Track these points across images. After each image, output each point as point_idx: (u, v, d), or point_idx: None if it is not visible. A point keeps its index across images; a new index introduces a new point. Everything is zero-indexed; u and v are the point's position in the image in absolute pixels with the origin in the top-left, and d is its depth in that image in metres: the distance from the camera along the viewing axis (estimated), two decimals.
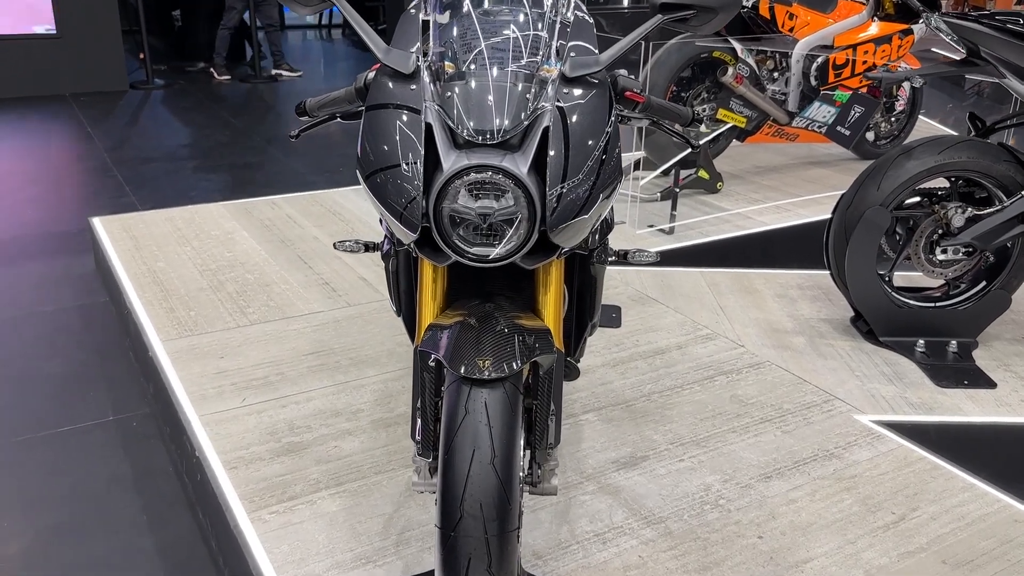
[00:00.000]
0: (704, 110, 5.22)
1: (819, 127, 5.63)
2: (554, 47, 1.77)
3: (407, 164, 1.65)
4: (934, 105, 7.61)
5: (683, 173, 5.12)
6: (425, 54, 1.80)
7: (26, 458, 2.93)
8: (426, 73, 1.75)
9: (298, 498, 2.46)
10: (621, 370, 3.23)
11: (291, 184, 5.90)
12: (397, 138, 1.67)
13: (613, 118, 1.73)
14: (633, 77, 1.95)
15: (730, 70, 5.08)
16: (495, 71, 1.70)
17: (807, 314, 3.74)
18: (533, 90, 1.69)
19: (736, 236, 4.63)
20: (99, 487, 2.79)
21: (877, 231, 3.33)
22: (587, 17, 1.91)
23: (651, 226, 4.70)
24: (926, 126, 6.41)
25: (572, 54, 1.79)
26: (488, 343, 1.70)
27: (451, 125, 1.66)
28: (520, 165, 1.63)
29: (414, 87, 1.73)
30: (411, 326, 2.19)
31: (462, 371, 1.65)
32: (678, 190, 4.81)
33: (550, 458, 1.85)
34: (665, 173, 5.36)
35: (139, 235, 4.48)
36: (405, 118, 1.69)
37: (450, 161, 1.64)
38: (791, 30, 5.31)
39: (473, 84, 1.69)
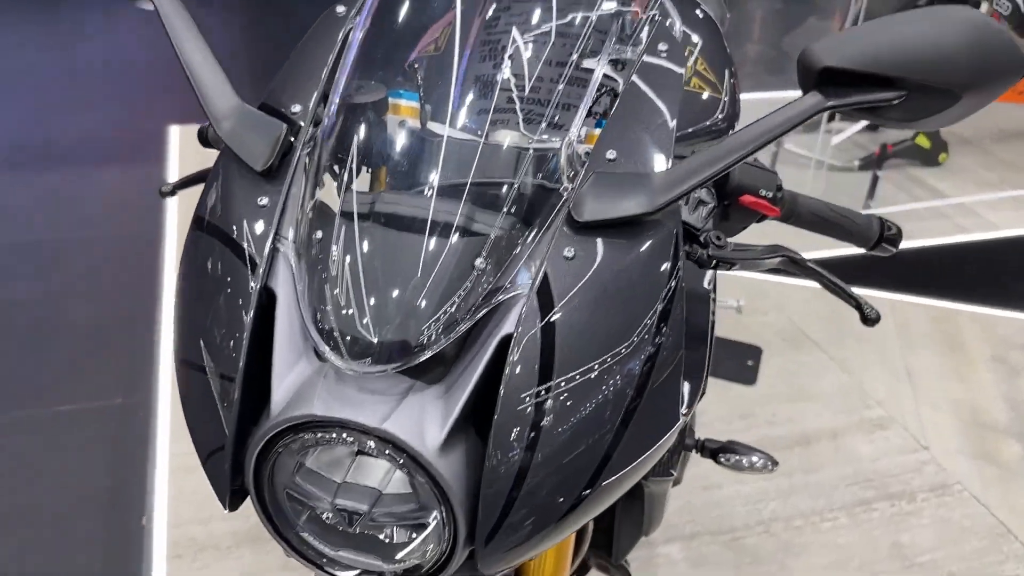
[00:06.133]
0: None
1: None
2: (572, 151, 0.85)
3: (217, 373, 0.80)
4: None
5: (895, 136, 3.93)
6: (315, 128, 0.89)
7: (6, 444, 2.39)
8: (303, 178, 0.87)
9: None
10: None
11: None
12: (217, 308, 0.82)
13: (673, 296, 0.78)
14: (759, 165, 0.98)
15: (984, 5, 3.73)
16: (429, 203, 0.81)
17: None
18: (486, 260, 0.78)
19: (953, 243, 3.44)
20: (46, 517, 2.21)
21: None
22: (673, 67, 0.92)
23: None
24: None
25: (610, 156, 0.83)
26: None
27: (300, 311, 0.79)
28: (428, 422, 0.75)
29: (264, 202, 0.85)
30: None
31: None
32: (887, 157, 3.66)
33: None
34: (871, 129, 4.15)
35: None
36: (232, 269, 0.83)
37: (280, 394, 0.78)
38: None
39: (382, 217, 0.81)
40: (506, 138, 0.90)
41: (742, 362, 2.65)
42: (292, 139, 0.87)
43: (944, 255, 3.37)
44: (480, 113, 0.91)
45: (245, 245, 0.82)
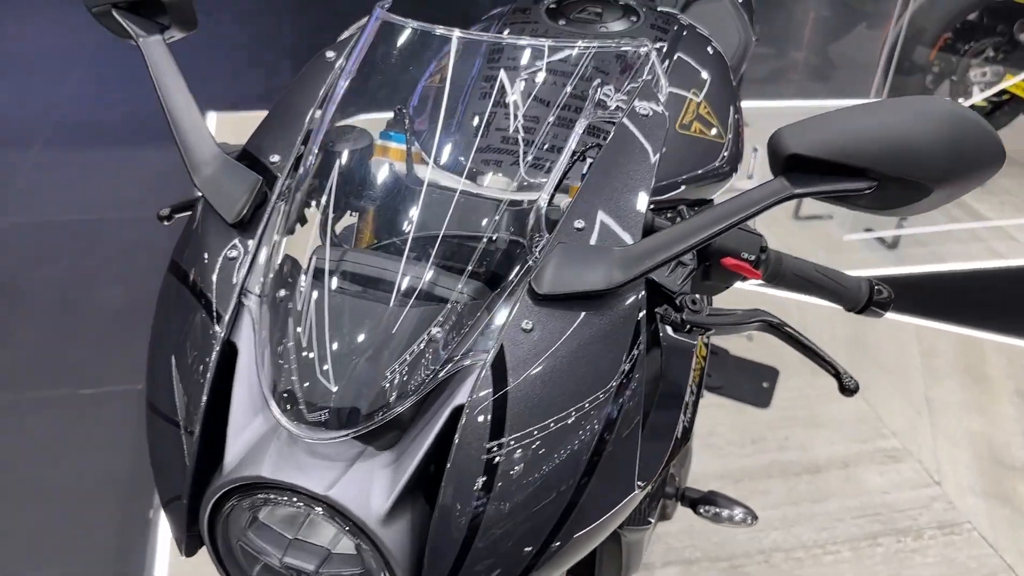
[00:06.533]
0: (984, 74, 3.82)
1: None
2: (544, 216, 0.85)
3: (178, 424, 0.82)
4: None
5: None
6: (291, 178, 0.90)
7: (26, 424, 2.44)
8: (278, 225, 0.87)
9: None
10: (744, 491, 2.28)
11: None
12: (183, 358, 0.83)
13: (632, 370, 0.78)
14: (745, 227, 0.97)
15: None
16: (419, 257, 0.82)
17: None
18: (444, 329, 0.79)
19: (987, 268, 3.36)
20: (65, 493, 2.26)
21: None
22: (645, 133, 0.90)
23: (868, 230, 3.52)
24: None
25: (579, 225, 0.83)
26: None
27: (257, 370, 0.80)
28: (375, 490, 0.75)
29: (233, 254, 0.85)
30: None
31: None
32: None
33: None
34: None
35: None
36: (198, 321, 0.84)
37: (234, 451, 0.79)
38: None
39: (347, 277, 0.82)
40: (485, 182, 0.90)
41: (757, 383, 2.63)
42: (267, 191, 0.88)
43: (976, 281, 3.30)
44: (461, 161, 0.91)
45: (212, 297, 0.83)
